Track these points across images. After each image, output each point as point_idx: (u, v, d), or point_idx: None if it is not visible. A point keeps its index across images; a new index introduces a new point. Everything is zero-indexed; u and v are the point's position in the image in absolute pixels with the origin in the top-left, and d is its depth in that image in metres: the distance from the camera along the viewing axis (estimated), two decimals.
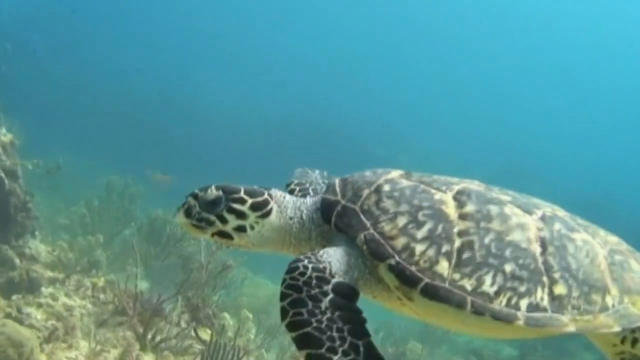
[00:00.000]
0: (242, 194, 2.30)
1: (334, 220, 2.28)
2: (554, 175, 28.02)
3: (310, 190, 2.68)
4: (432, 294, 2.12)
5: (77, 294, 8.25)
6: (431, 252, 2.16)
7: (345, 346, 1.88)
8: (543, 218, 2.35)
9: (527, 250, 2.24)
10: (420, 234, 2.19)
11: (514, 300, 2.17)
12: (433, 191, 2.30)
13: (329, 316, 1.95)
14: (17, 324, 5.91)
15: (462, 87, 37.87)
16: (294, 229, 2.37)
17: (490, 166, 23.83)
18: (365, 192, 2.30)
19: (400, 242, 2.18)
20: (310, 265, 2.08)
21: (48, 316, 7.36)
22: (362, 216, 2.24)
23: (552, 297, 2.22)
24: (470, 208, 2.26)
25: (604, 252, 2.41)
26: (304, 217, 2.38)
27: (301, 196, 2.60)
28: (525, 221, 2.30)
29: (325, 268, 2.10)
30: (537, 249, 2.26)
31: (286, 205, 2.38)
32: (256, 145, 26.34)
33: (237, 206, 2.28)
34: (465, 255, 2.17)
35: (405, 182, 2.34)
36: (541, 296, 2.21)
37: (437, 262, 2.15)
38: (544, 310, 2.19)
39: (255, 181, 2.45)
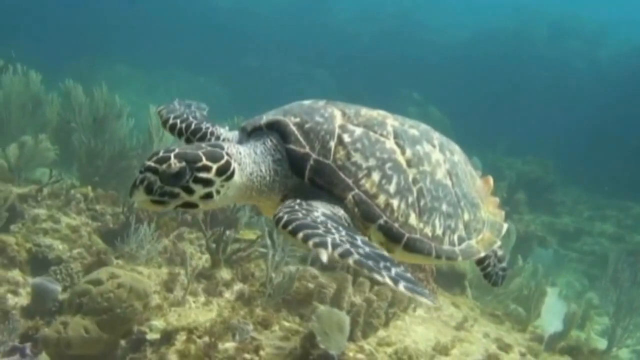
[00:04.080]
0: (205, 161, 2.13)
1: (309, 175, 2.22)
2: None
3: (221, 132, 2.60)
4: (412, 247, 2.25)
5: (70, 210, 7.09)
6: (403, 206, 2.26)
7: (343, 233, 1.92)
8: (441, 148, 2.51)
9: (447, 186, 2.44)
10: (392, 188, 2.25)
11: (451, 238, 2.40)
12: (382, 139, 2.33)
13: (330, 226, 1.97)
14: (111, 267, 5.03)
15: None
16: (255, 184, 2.28)
17: None
18: (332, 144, 2.27)
19: (382, 199, 2.22)
20: (305, 204, 2.11)
21: (69, 244, 6.32)
22: (340, 173, 2.22)
23: (464, 225, 2.48)
24: (409, 153, 2.34)
25: (469, 168, 2.73)
26: (264, 169, 2.29)
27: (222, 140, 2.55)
28: (437, 157, 2.45)
29: (316, 209, 2.10)
30: (449, 182, 2.45)
31: (244, 161, 2.27)
32: None
33: (203, 175, 2.11)
34: (422, 203, 2.31)
35: (354, 128, 2.33)
36: (461, 227, 2.46)
37: (409, 214, 2.27)
38: (463, 239, 2.47)
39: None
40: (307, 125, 2.31)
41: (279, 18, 29.37)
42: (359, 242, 1.88)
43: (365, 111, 2.42)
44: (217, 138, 2.55)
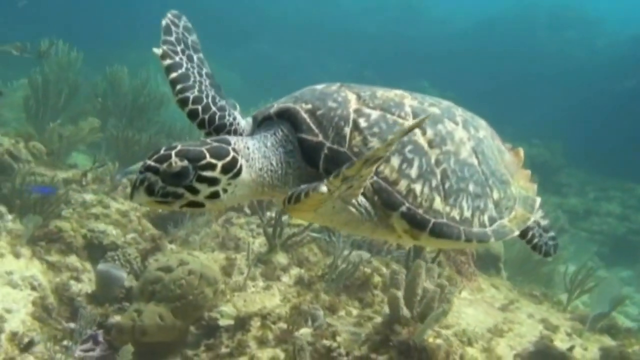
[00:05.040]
0: (209, 159, 1.98)
1: (323, 165, 2.08)
2: None
3: (226, 106, 2.39)
4: (439, 232, 2.13)
5: (117, 195, 7.02)
6: (427, 190, 2.13)
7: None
8: (465, 125, 2.36)
9: (473, 165, 2.29)
10: (413, 172, 2.12)
11: (481, 219, 2.27)
12: (400, 121, 2.19)
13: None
14: (172, 255, 4.99)
15: None
16: (267, 179, 2.14)
17: None
18: (347, 130, 2.12)
19: (403, 185, 2.10)
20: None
21: (121, 229, 6.26)
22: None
23: (495, 204, 2.34)
24: (430, 133, 2.21)
25: (497, 143, 2.57)
26: (275, 163, 2.15)
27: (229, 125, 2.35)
28: (461, 135, 2.30)
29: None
30: (474, 160, 2.30)
31: (252, 157, 2.12)
32: None
33: (207, 173, 1.98)
34: (447, 185, 2.18)
35: (370, 112, 2.18)
36: (491, 207, 2.32)
37: (433, 198, 2.14)
38: (494, 219, 2.33)
39: None
40: (319, 112, 2.17)
41: (289, 5, 29.20)
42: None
43: (381, 92, 2.28)
44: (236, 132, 2.34)
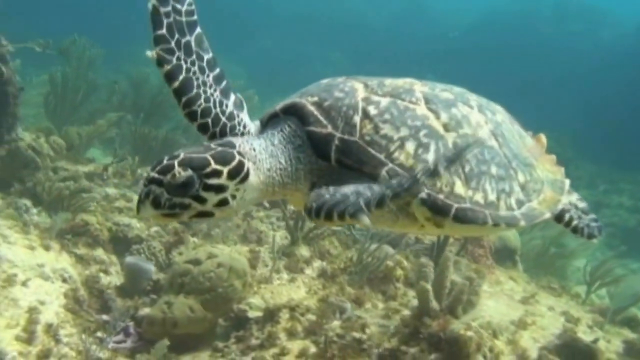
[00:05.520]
0: (214, 165, 1.89)
1: (335, 156, 2.00)
2: None
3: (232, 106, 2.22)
4: (463, 218, 2.01)
5: (138, 188, 7.03)
6: (446, 174, 2.01)
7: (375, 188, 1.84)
8: (480, 109, 2.28)
9: (493, 147, 2.19)
10: (430, 157, 2.01)
11: (508, 202, 2.16)
12: (412, 106, 2.11)
13: (354, 189, 1.88)
14: (211, 247, 5.01)
15: None
16: (277, 178, 2.06)
17: None
18: (356, 118, 2.03)
19: None
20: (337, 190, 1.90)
21: (145, 223, 6.30)
22: (370, 149, 1.99)
23: (521, 187, 2.23)
24: (444, 117, 2.11)
25: (517, 128, 2.48)
26: (284, 160, 2.06)
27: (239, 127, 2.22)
28: (477, 118, 2.21)
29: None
30: (494, 143, 2.21)
31: (259, 158, 2.03)
32: None
33: (214, 181, 1.88)
34: (467, 168, 2.08)
35: (379, 99, 2.10)
36: (517, 189, 2.21)
37: (454, 183, 2.04)
38: (522, 202, 2.21)
39: None
40: (326, 103, 2.08)
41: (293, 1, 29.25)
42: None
43: (389, 81, 2.21)
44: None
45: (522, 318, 5.97)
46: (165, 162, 1.87)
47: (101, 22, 19.62)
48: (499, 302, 6.51)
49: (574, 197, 2.62)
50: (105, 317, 4.91)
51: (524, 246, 8.75)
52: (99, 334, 4.78)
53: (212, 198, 1.89)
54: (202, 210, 1.90)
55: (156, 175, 1.85)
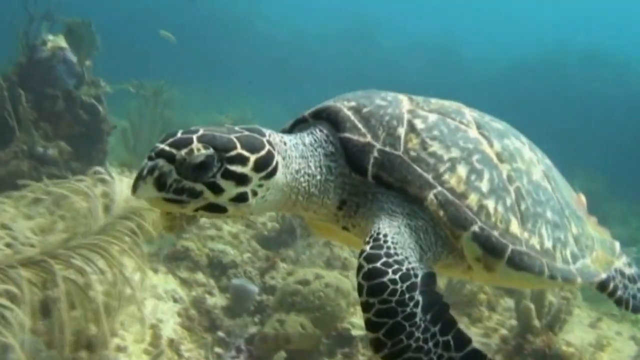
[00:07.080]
0: (240, 149, 1.55)
1: (373, 171, 1.70)
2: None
3: None
4: (518, 262, 1.73)
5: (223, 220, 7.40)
6: (501, 209, 1.74)
7: (439, 350, 1.57)
8: (531, 147, 2.04)
9: (547, 189, 1.93)
10: (484, 186, 1.73)
11: (564, 253, 1.89)
12: (463, 127, 1.83)
13: (424, 327, 1.56)
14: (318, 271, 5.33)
15: None
16: (303, 185, 1.71)
17: None
18: (401, 131, 1.74)
19: (473, 200, 1.71)
20: (397, 276, 1.54)
21: (236, 251, 6.63)
22: (416, 167, 1.69)
23: (575, 239, 1.96)
24: (497, 146, 1.84)
25: (558, 172, 2.21)
26: (313, 166, 1.73)
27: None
28: (530, 155, 1.96)
29: (409, 270, 1.58)
30: (548, 185, 1.94)
31: (289, 154, 1.69)
32: None
33: (237, 168, 1.55)
34: (523, 206, 1.79)
35: (426, 114, 1.83)
36: (571, 241, 1.94)
37: (509, 220, 1.74)
38: (577, 257, 1.94)
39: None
40: (365, 110, 1.79)
41: (331, 48, 30.36)
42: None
43: (435, 100, 1.95)
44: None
45: (598, 340, 6.17)
46: (179, 135, 1.55)
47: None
48: (571, 324, 6.72)
49: (622, 261, 2.34)
50: (220, 333, 5.20)
51: None
52: (216, 349, 5.07)
53: (231, 189, 1.55)
54: (214, 203, 1.56)
55: (167, 148, 1.51)
